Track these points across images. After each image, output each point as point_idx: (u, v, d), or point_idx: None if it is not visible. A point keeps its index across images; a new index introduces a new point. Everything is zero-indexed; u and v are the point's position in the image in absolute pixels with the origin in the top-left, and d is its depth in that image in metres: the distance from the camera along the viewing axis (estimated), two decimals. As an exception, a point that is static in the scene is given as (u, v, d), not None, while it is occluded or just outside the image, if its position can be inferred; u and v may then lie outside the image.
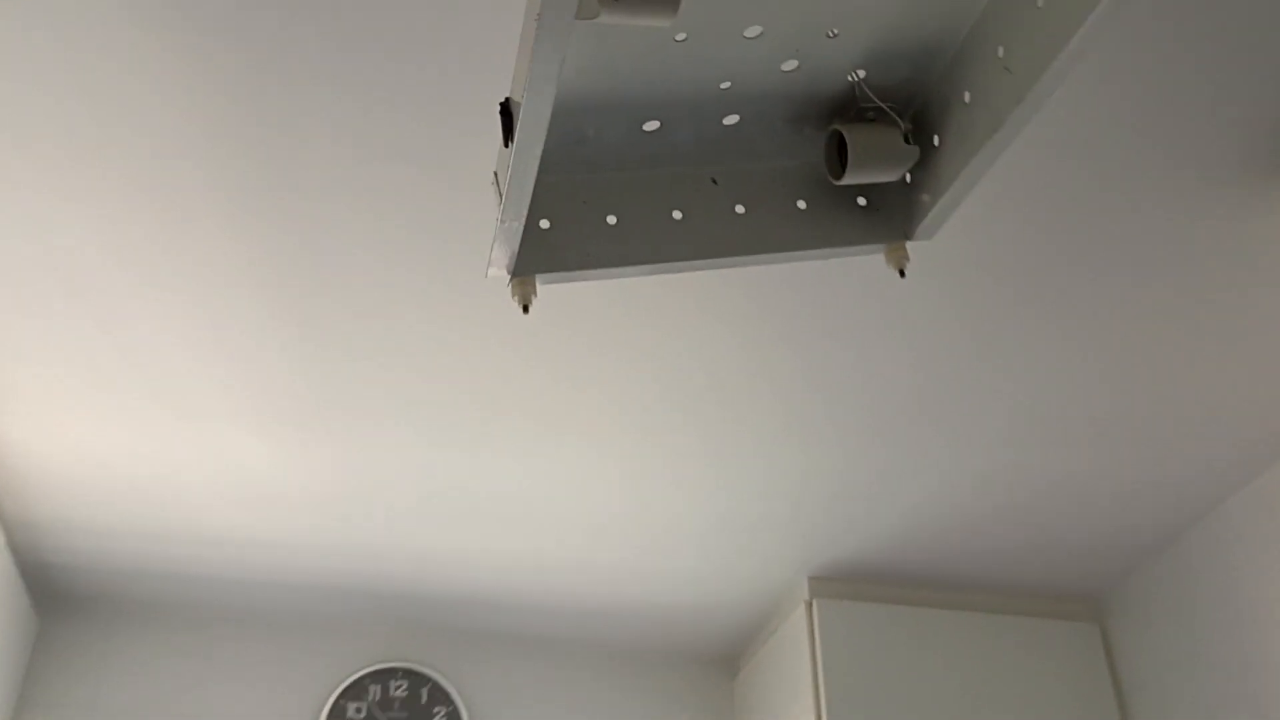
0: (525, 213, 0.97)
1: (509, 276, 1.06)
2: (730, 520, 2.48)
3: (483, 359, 1.94)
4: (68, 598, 2.79)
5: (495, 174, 1.01)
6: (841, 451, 2.23)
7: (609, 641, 3.02)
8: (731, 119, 1.09)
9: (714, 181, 1.14)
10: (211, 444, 2.19)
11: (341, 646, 2.89)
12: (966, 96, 1.05)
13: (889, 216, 1.17)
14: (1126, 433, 2.21)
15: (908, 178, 1.15)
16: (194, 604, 2.82)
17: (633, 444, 2.20)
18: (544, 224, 1.08)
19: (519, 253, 1.04)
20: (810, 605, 2.64)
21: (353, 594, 2.79)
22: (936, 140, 1.10)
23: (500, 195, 0.98)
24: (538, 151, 0.89)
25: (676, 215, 1.12)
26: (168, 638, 2.82)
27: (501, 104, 0.93)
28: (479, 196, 1.62)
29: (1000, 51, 1.00)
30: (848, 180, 1.09)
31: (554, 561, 2.65)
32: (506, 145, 0.93)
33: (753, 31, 0.98)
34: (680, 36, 0.97)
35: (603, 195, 1.10)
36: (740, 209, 1.14)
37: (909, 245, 1.17)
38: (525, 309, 1.06)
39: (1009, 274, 1.81)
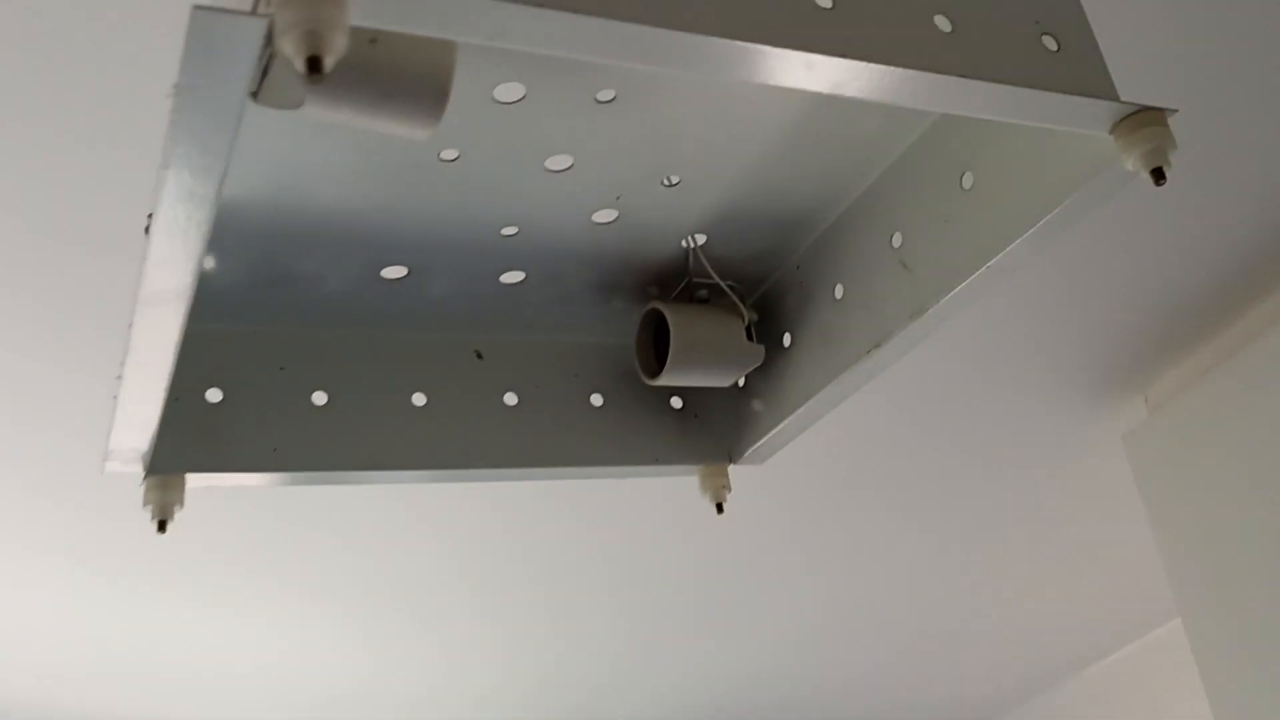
0: (164, 385, 0.60)
1: (141, 473, 0.68)
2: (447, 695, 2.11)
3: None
4: None
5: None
6: (586, 635, 1.91)
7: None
8: (513, 276, 0.76)
9: (479, 356, 0.80)
10: None
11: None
12: (838, 290, 0.76)
13: (710, 428, 0.86)
14: (907, 644, 2.00)
15: (741, 381, 0.85)
16: None
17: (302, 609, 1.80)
18: (213, 396, 0.72)
19: (158, 439, 0.67)
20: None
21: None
22: (788, 339, 0.81)
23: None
24: (183, 304, 0.53)
25: (418, 400, 0.77)
26: None
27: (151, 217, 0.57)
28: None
29: (896, 240, 0.72)
30: (665, 381, 0.78)
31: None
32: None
33: (559, 162, 0.66)
34: (450, 155, 0.64)
35: (311, 362, 0.75)
36: (511, 399, 0.80)
37: (733, 469, 0.86)
38: (162, 526, 0.68)
39: (816, 477, 1.54)
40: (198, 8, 0.37)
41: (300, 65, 0.37)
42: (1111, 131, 0.55)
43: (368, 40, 0.46)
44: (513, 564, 1.64)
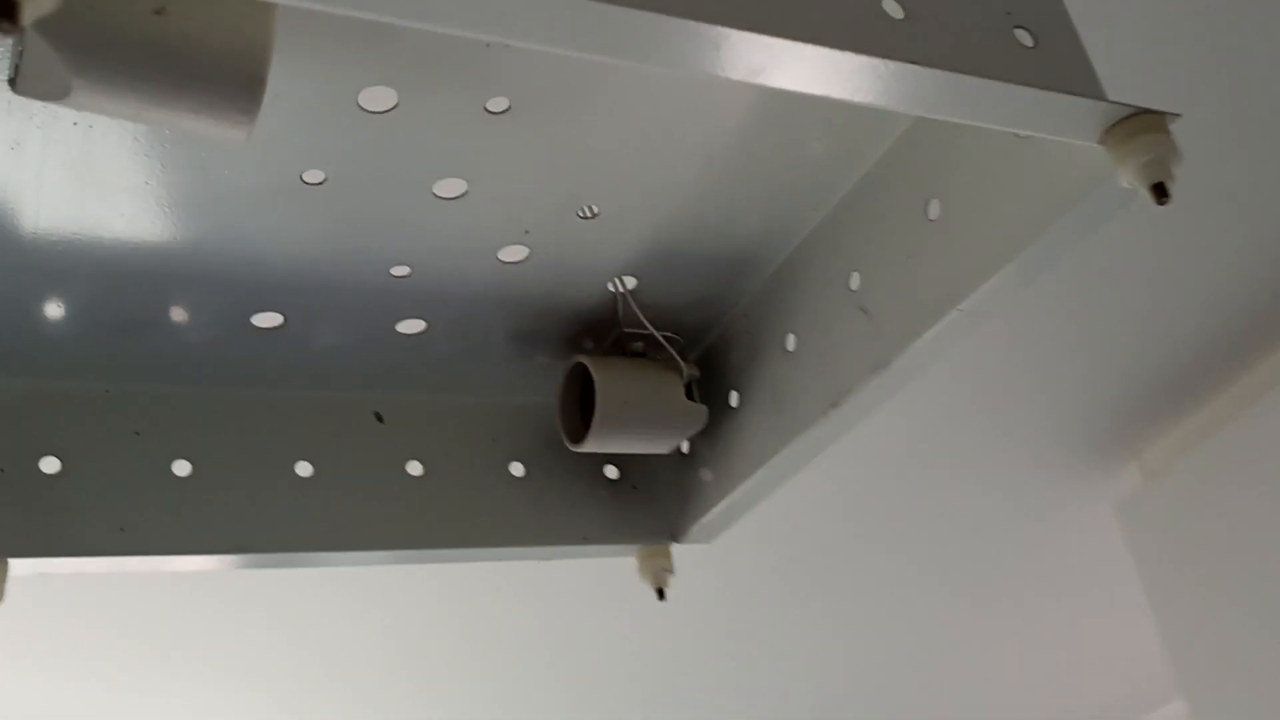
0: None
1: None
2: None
3: None
4: None
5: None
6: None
7: None
8: (412, 325, 0.66)
9: (379, 419, 0.70)
10: None
11: None
12: (790, 341, 0.66)
13: (650, 502, 0.75)
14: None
15: (685, 446, 0.75)
16: None
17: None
18: (49, 466, 0.61)
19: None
20: None
21: None
22: (735, 398, 0.71)
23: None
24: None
25: (303, 470, 0.66)
26: None
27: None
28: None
29: (854, 281, 0.61)
30: (592, 447, 0.67)
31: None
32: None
33: (450, 188, 0.56)
34: (314, 177, 0.54)
35: (172, 426, 0.64)
36: (416, 468, 0.69)
37: (676, 549, 0.75)
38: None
39: (774, 554, 1.43)
40: None
41: (-15, 10, 0.26)
42: (1102, 141, 0.46)
43: (152, 10, 0.36)
44: (450, 644, 1.52)
